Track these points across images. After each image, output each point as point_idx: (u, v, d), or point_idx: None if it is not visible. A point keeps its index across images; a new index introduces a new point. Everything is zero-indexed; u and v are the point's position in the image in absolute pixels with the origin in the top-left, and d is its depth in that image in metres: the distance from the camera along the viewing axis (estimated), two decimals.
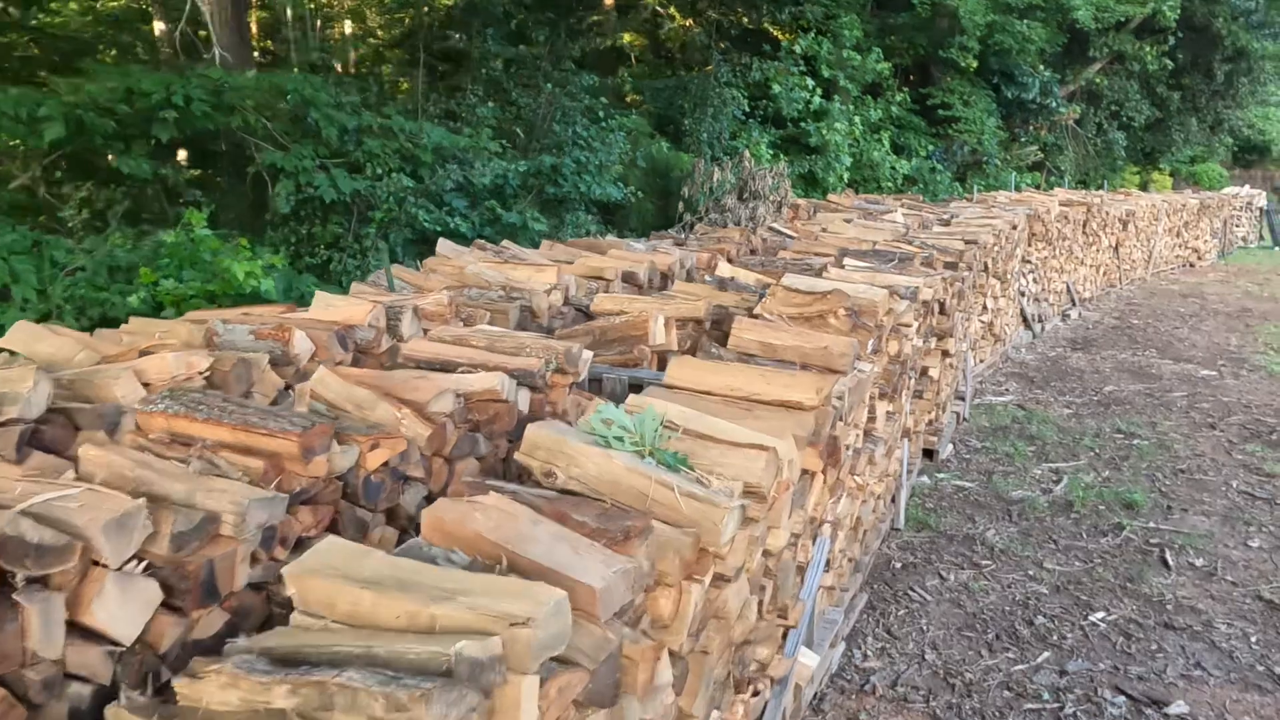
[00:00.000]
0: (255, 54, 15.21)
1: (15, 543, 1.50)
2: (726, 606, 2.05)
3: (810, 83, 14.02)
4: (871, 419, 4.05)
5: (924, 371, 5.77)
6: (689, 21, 15.34)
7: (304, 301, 5.19)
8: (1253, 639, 4.16)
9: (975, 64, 17.12)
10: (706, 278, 5.05)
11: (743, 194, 8.97)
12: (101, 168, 6.08)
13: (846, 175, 14.19)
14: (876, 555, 4.90)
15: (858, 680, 3.84)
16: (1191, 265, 17.43)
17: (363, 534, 2.22)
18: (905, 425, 5.22)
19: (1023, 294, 10.32)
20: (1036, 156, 19.95)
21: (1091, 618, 4.34)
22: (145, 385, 2.65)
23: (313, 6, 15.83)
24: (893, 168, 15.38)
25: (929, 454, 6.42)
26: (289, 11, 15.71)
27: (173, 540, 1.69)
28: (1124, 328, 11.52)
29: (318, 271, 6.44)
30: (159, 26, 13.34)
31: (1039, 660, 3.99)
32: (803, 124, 13.84)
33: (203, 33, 11.73)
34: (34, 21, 12.88)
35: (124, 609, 1.60)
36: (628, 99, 14.64)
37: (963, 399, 7.45)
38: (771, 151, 12.81)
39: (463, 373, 2.82)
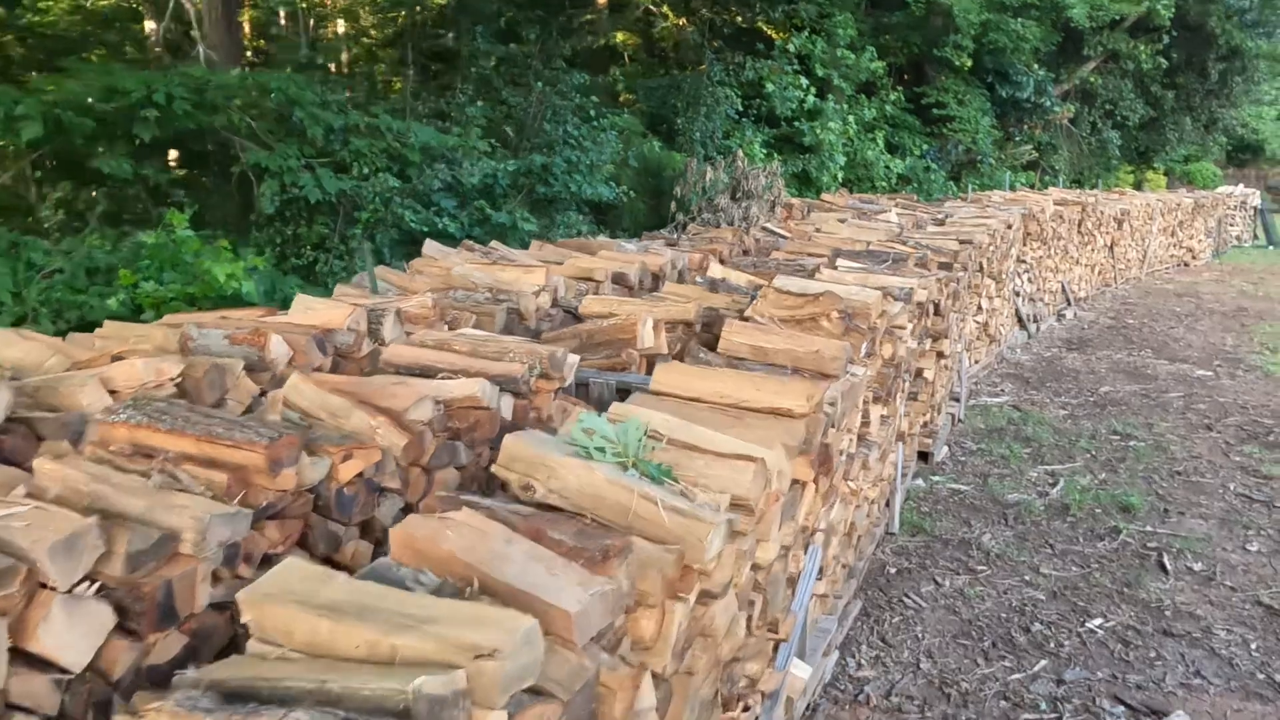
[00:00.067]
0: (248, 53, 15.12)
1: None
2: (714, 624, 1.97)
3: (804, 82, 13.95)
4: (865, 423, 3.97)
5: (919, 373, 5.69)
6: (682, 20, 15.26)
7: (288, 304, 5.10)
8: (1253, 646, 4.10)
9: (970, 63, 17.06)
10: (698, 279, 4.97)
11: (736, 194, 8.89)
12: (84, 168, 5.98)
13: (840, 175, 14.12)
14: (871, 560, 4.82)
15: (851, 690, 3.76)
16: (1186, 265, 17.40)
17: (335, 548, 2.13)
18: (900, 428, 5.14)
19: (1018, 294, 10.26)
20: (1031, 156, 19.91)
21: (1089, 624, 4.27)
22: (113, 393, 2.56)
23: (305, 6, 15.73)
24: (887, 167, 15.32)
25: (924, 456, 6.35)
26: (281, 12, 15.62)
27: (127, 560, 1.60)
28: (1119, 327, 11.47)
29: (303, 273, 6.34)
30: (149, 25, 13.24)
31: (1036, 669, 3.91)
32: (796, 123, 13.77)
33: (194, 31, 11.63)
34: (23, 20, 12.76)
35: (73, 634, 1.51)
36: (620, 98, 14.56)
37: (958, 400, 7.38)
38: (765, 151, 12.74)
39: (443, 378, 2.73)
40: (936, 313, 5.66)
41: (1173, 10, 18.63)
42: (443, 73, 11.15)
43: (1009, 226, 8.85)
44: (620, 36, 16.22)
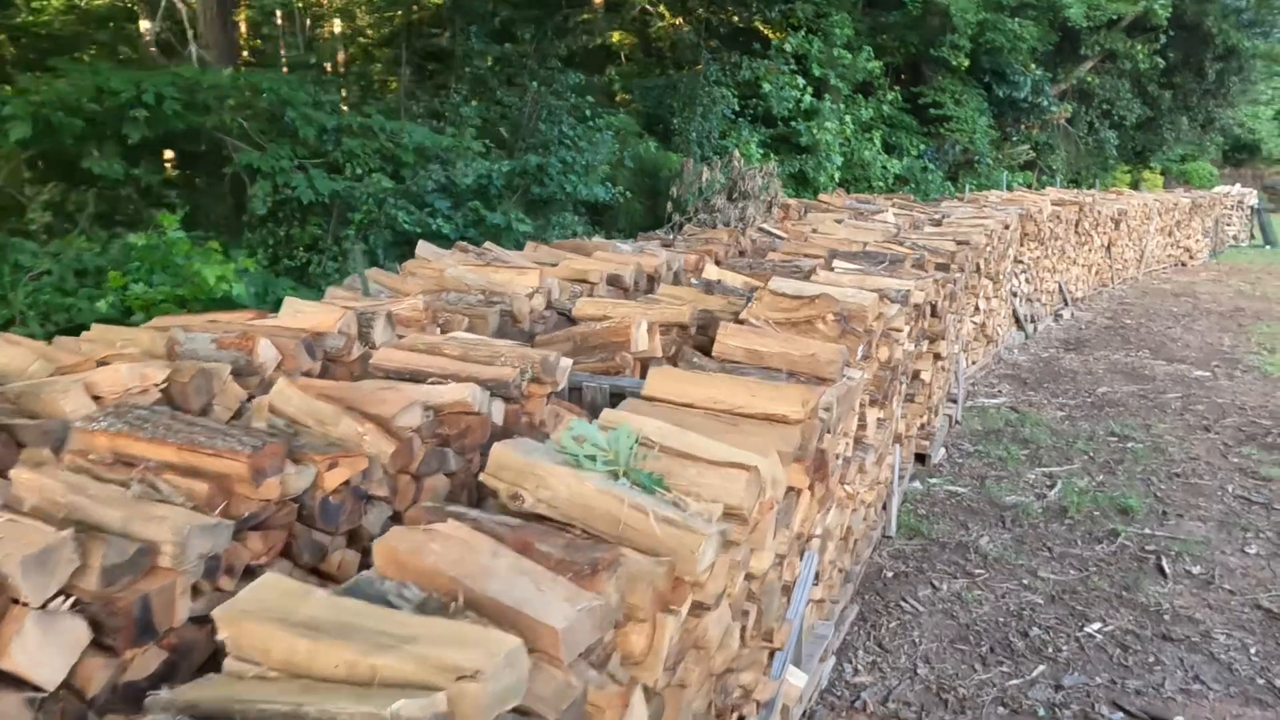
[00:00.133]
0: (245, 52, 15.05)
1: None
2: (706, 636, 1.93)
3: (801, 81, 13.91)
4: (862, 426, 3.94)
5: (916, 375, 5.66)
6: (678, 20, 15.22)
7: (280, 306, 5.05)
8: (1252, 650, 4.07)
9: (967, 63, 17.04)
10: (693, 280, 4.93)
11: (732, 194, 8.85)
12: (76, 169, 5.92)
13: (837, 175, 14.09)
14: (868, 564, 4.79)
15: (848, 696, 3.72)
16: (1183, 264, 17.40)
17: (321, 558, 2.09)
18: (897, 430, 5.11)
19: (1015, 294, 10.23)
20: (1028, 155, 19.90)
21: (1088, 629, 4.24)
22: (97, 399, 2.52)
23: (301, 5, 15.68)
24: (884, 167, 15.29)
25: (921, 458, 6.32)
26: (278, 11, 15.56)
27: (103, 574, 1.56)
28: (1117, 328, 11.45)
29: (296, 274, 6.29)
30: (145, 25, 13.17)
31: (1034, 674, 3.88)
32: (793, 123, 13.73)
33: (189, 31, 11.56)
34: (18, 20, 12.69)
35: (47, 651, 1.47)
36: (617, 98, 14.51)
37: (955, 401, 7.35)
38: (761, 151, 12.69)
39: (433, 383, 2.69)
40: (933, 314, 5.63)
41: (1170, 10, 18.63)
42: (438, 72, 11.09)
43: (1006, 227, 8.82)
44: (616, 36, 16.18)
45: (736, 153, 9.74)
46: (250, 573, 1.88)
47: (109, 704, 1.51)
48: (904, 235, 6.95)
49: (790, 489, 2.33)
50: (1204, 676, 3.87)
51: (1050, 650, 4.06)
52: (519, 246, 6.23)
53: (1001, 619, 4.33)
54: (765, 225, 7.96)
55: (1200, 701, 3.70)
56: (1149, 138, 23.22)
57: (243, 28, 15.41)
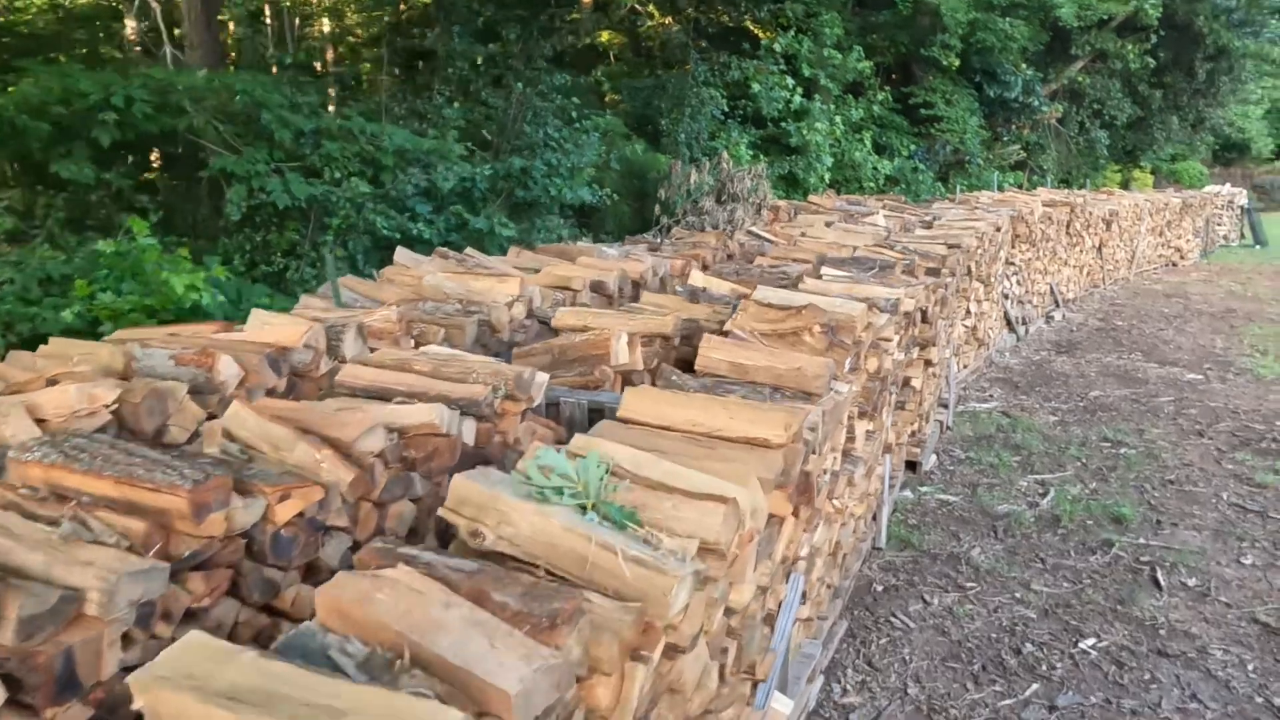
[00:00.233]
0: (233, 53, 14.87)
1: None
2: (682, 679, 1.81)
3: (790, 82, 13.80)
4: (850, 439, 3.83)
5: (906, 382, 5.55)
6: (668, 19, 15.09)
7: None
8: (1250, 667, 3.97)
9: (957, 62, 16.97)
10: (678, 288, 4.82)
11: (721, 196, 8.74)
12: (46, 173, 5.76)
13: (828, 176, 13.99)
14: (857, 578, 4.68)
15: (837, 719, 3.61)
16: (1174, 265, 17.36)
17: (273, 594, 1.96)
18: (886, 440, 5.00)
19: (1006, 296, 10.14)
20: (1019, 156, 19.85)
21: (1082, 644, 4.14)
22: (41, 422, 2.39)
23: (289, 4, 15.51)
24: (875, 168, 15.20)
25: (912, 466, 6.21)
26: (266, 10, 15.39)
27: (20, 626, 1.43)
28: (1108, 329, 11.38)
29: (274, 281, 6.14)
30: (130, 24, 12.98)
31: (1027, 693, 3.78)
32: (783, 124, 13.62)
33: (177, 30, 11.38)
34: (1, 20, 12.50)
35: None
36: (606, 98, 14.38)
37: (946, 406, 7.25)
38: (751, 152, 12.58)
39: (400, 403, 2.57)
40: (924, 320, 5.52)
41: (1160, 10, 18.60)
42: (422, 73, 10.95)
43: (997, 229, 8.73)
44: (605, 36, 16.06)
45: (725, 154, 9.62)
46: (192, 616, 1.76)
47: None
48: (894, 239, 6.85)
49: (772, 517, 2.22)
50: (1201, 695, 3.77)
51: (1044, 668, 3.96)
52: (503, 251, 6.11)
53: (994, 635, 4.22)
54: (754, 228, 7.85)
55: None
56: (1139, 137, 23.21)
57: (231, 27, 15.25)
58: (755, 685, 2.59)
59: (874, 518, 5.07)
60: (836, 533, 3.91)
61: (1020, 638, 4.19)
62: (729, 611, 2.05)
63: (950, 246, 6.52)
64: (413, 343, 3.67)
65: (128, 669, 1.61)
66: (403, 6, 14.51)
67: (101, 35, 13.60)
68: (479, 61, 9.55)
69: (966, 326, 8.24)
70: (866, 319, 3.63)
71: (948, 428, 7.16)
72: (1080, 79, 20.97)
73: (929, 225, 8.04)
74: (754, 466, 2.11)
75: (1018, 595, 4.58)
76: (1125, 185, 22.55)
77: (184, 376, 2.80)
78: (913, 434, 6.05)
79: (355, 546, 2.25)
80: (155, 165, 7.30)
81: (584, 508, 1.79)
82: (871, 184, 15.00)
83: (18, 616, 1.44)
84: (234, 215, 6.01)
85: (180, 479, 1.76)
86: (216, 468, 1.89)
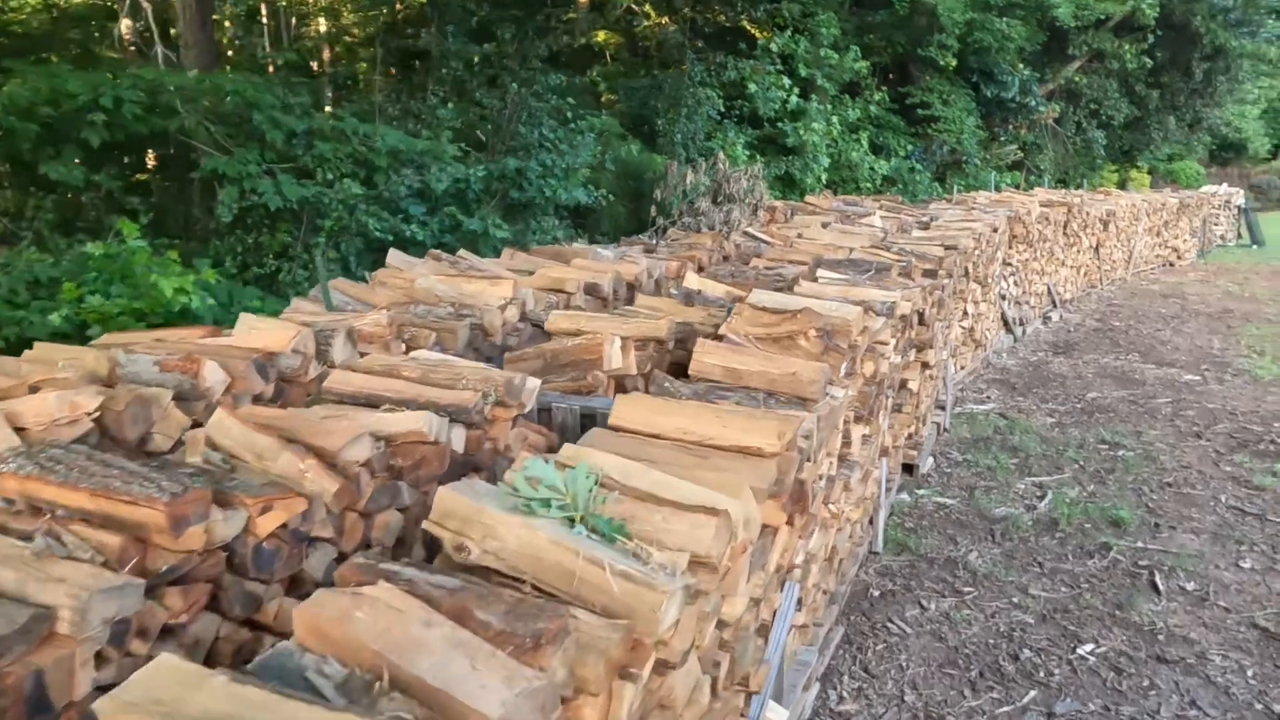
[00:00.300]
0: (229, 52, 14.80)
1: None
2: (672, 695, 1.77)
3: (787, 82, 13.76)
4: (846, 444, 3.79)
5: (903, 384, 5.52)
6: (664, 19, 15.05)
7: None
8: (1249, 673, 3.93)
9: (954, 62, 16.93)
10: (673, 290, 4.78)
11: (717, 197, 8.70)
12: (35, 175, 5.69)
13: (825, 176, 13.95)
14: (854, 583, 4.64)
15: None
16: (1171, 265, 17.34)
17: (255, 608, 1.92)
18: (883, 444, 4.96)
19: (1003, 297, 10.11)
20: (1016, 156, 19.82)
21: (1080, 650, 4.10)
22: (21, 430, 2.34)
23: (286, 3, 15.44)
24: (871, 168, 15.17)
25: (908, 469, 6.17)
26: (262, 9, 15.32)
27: None
28: (1106, 330, 11.35)
29: (266, 283, 6.08)
30: (125, 24, 12.91)
31: (1025, 700, 3.74)
32: (780, 124, 13.58)
33: (173, 30, 11.31)
34: None
35: None
36: (602, 98, 14.33)
37: (943, 408, 7.22)
38: (748, 152, 12.55)
39: (387, 410, 2.52)
40: (921, 322, 5.49)
41: (1157, 9, 18.57)
42: (420, 73, 10.89)
43: (994, 230, 8.70)
44: (602, 36, 16.01)
45: (721, 154, 9.58)
46: (170, 632, 1.71)
47: None
48: (891, 240, 6.81)
49: (766, 527, 2.18)
50: (1200, 701, 3.73)
51: (1042, 674, 3.92)
52: (497, 253, 6.06)
53: (991, 640, 4.19)
54: (750, 229, 7.82)
55: None
56: (1136, 137, 23.19)
57: (227, 25, 15.18)
58: (749, 697, 2.55)
59: (870, 521, 5.03)
60: (832, 538, 3.88)
61: (1018, 643, 4.15)
62: (721, 624, 2.01)
63: (947, 248, 6.49)
64: (404, 347, 3.63)
65: (102, 688, 1.57)
66: (399, 6, 14.45)
67: (97, 35, 13.53)
68: (474, 62, 9.49)
69: (964, 328, 8.20)
70: (862, 323, 3.59)
71: (945, 430, 7.12)
72: (1077, 79, 20.96)
73: (926, 226, 8.00)
74: (747, 476, 2.07)
75: (1015, 600, 4.55)
76: (1122, 185, 22.53)
77: (169, 383, 2.75)
78: (910, 437, 6.02)
79: (341, 558, 2.21)
80: (150, 166, 7.24)
81: (572, 520, 1.76)
82: (868, 184, 14.96)
83: None
84: (225, 217, 5.95)
85: (158, 491, 1.72)
86: (196, 479, 1.85)
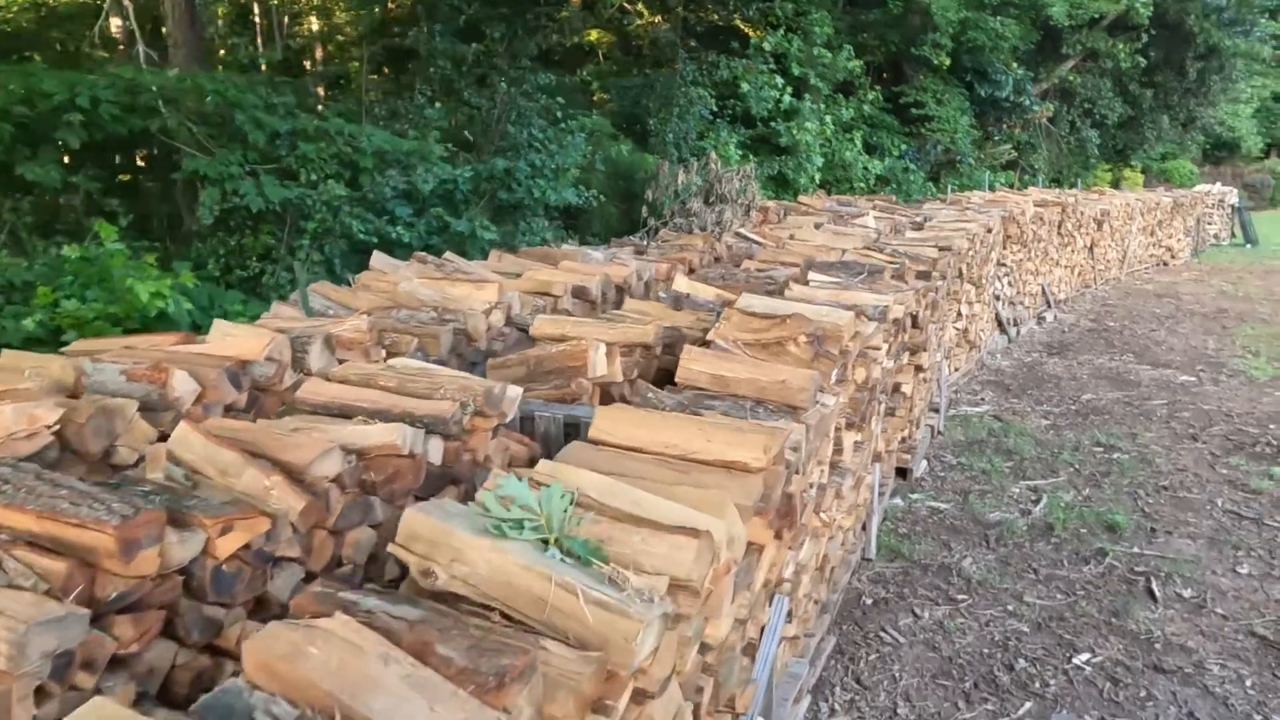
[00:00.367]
0: (221, 51, 14.67)
1: None
2: None
3: (780, 81, 13.68)
4: (838, 451, 3.71)
5: (896, 388, 5.44)
6: (657, 18, 14.96)
7: (228, 321, 4.74)
8: (1248, 682, 3.87)
9: (948, 62, 16.87)
10: (661, 294, 4.69)
11: (709, 197, 8.61)
12: (12, 177, 5.58)
13: (818, 176, 13.88)
14: (846, 590, 4.56)
15: None
16: (1165, 264, 17.31)
17: (215, 633, 1.83)
18: (876, 449, 4.89)
19: (998, 298, 10.05)
20: (1010, 155, 19.78)
21: (1076, 660, 4.03)
22: None
23: (276, 3, 15.33)
24: (865, 168, 15.10)
25: (902, 472, 6.10)
26: (255, 8, 15.20)
27: None
28: (1100, 330, 11.30)
29: (249, 286, 5.98)
30: (116, 23, 12.78)
31: (1021, 712, 3.67)
32: (772, 123, 13.50)
33: (164, 29, 11.17)
34: None
35: None
36: (594, 97, 14.23)
37: (937, 411, 7.15)
38: (740, 152, 12.46)
39: (361, 422, 2.43)
40: (914, 325, 5.41)
41: (1151, 9, 18.54)
42: (404, 73, 10.78)
43: (989, 230, 8.63)
44: (594, 35, 15.91)
45: (713, 154, 9.49)
46: (121, 663, 1.62)
47: None
48: (884, 241, 6.74)
49: (752, 545, 2.10)
50: (1199, 713, 3.66)
51: (1037, 685, 3.85)
52: (484, 255, 5.97)
53: (986, 650, 4.11)
54: (743, 230, 7.73)
55: None
56: (1130, 136, 23.17)
57: (219, 24, 15.05)
58: (736, 718, 2.47)
59: (863, 528, 4.96)
60: (824, 547, 3.80)
61: (1013, 653, 4.08)
62: (705, 648, 1.93)
63: (941, 249, 6.41)
64: (384, 353, 3.54)
65: None
66: (391, 5, 14.34)
67: (86, 33, 13.39)
68: (463, 61, 9.38)
69: (958, 329, 8.14)
70: (854, 328, 3.51)
71: (939, 432, 7.05)
72: (1071, 78, 20.93)
73: (920, 226, 7.93)
74: (732, 492, 1.99)
75: (1010, 608, 4.48)
76: (1116, 184, 22.51)
77: (136, 393, 2.66)
78: (903, 440, 5.95)
79: (309, 577, 2.12)
80: (141, 167, 7.13)
81: (546, 543, 1.67)
82: (862, 184, 14.89)
83: None
84: (206, 219, 5.84)
85: (107, 514, 1.63)
86: (151, 499, 1.76)
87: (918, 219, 8.52)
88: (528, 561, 1.56)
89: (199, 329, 4.48)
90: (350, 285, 4.71)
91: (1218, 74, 22.12)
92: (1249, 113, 31.58)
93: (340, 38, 17.35)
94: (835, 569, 4.28)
